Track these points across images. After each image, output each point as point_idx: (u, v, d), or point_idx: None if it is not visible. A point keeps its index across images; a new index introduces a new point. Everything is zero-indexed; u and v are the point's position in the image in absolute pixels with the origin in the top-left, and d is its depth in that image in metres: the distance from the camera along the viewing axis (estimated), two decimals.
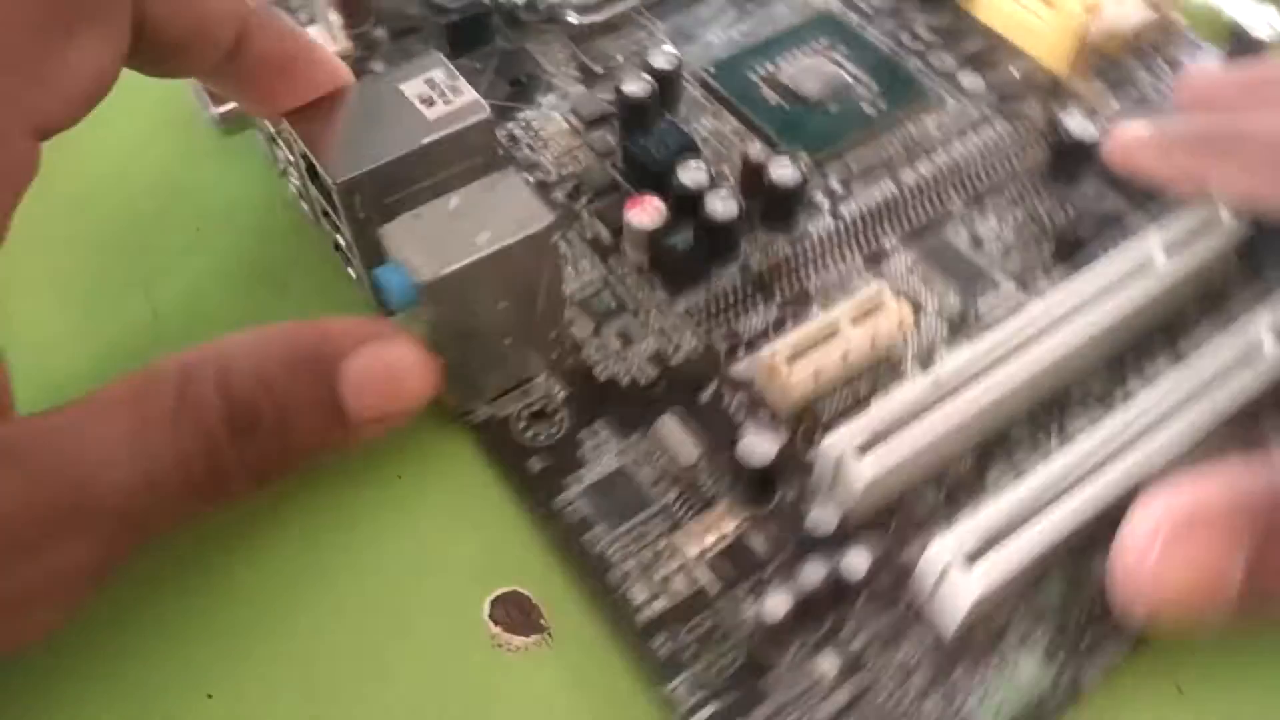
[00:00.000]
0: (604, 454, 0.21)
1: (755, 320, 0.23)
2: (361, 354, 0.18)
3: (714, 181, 0.24)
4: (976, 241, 0.24)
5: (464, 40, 0.28)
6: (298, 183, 0.23)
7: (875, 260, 0.24)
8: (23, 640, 0.17)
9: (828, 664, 0.18)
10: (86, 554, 0.16)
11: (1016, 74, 0.28)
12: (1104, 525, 0.18)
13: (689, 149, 0.24)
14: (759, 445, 0.19)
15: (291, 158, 0.22)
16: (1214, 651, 0.18)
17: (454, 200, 0.19)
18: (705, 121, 0.27)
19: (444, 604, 0.19)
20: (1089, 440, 0.19)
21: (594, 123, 0.26)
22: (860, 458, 0.19)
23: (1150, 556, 0.16)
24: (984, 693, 0.18)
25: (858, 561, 0.18)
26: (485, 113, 0.21)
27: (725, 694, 0.18)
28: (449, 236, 0.19)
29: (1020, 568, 0.17)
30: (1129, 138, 0.23)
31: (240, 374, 0.17)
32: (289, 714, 0.18)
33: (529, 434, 0.21)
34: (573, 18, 0.29)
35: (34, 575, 0.16)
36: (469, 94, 0.21)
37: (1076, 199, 0.25)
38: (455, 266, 0.18)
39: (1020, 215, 0.25)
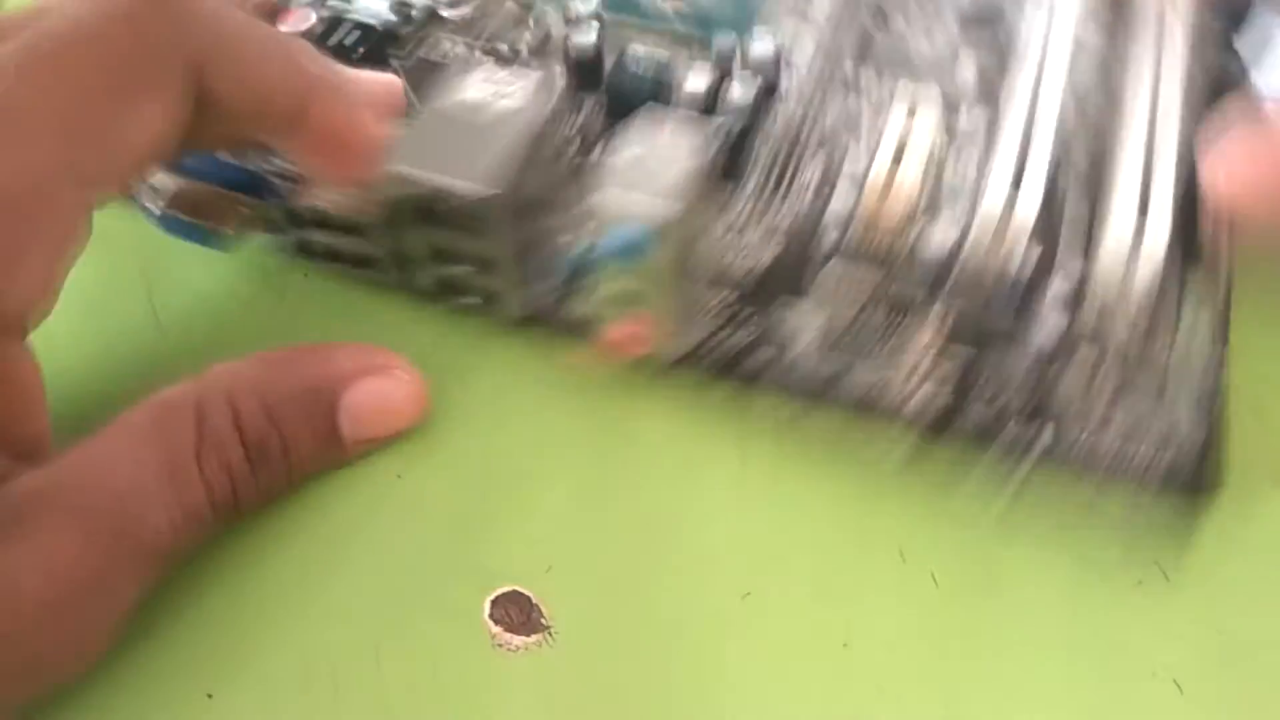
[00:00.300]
0: (802, 325, 0.23)
1: (815, 170, 0.25)
2: (360, 388, 0.20)
3: (720, 76, 0.26)
4: (902, 37, 0.28)
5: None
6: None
7: (848, 88, 0.27)
8: (70, 676, 0.18)
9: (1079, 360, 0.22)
10: (129, 593, 0.17)
11: None
12: None
13: (662, 66, 0.26)
14: (926, 238, 0.22)
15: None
16: None
17: (622, 150, 0.20)
18: (638, 47, 0.28)
19: (443, 604, 0.20)
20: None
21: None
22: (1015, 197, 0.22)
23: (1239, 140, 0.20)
24: None
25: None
26: (555, 84, 0.22)
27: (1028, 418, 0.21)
28: (652, 180, 0.19)
29: None
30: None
31: (250, 410, 0.19)
32: (289, 714, 0.18)
33: (729, 339, 0.22)
34: (448, 12, 0.29)
35: (87, 619, 0.17)
36: (528, 76, 0.22)
37: None
38: (683, 199, 0.19)
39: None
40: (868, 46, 0.28)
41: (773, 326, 0.23)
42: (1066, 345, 0.21)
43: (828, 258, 0.24)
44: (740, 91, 0.25)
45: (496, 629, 0.19)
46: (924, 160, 0.24)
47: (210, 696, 0.18)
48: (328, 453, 0.20)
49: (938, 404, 0.21)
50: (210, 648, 0.19)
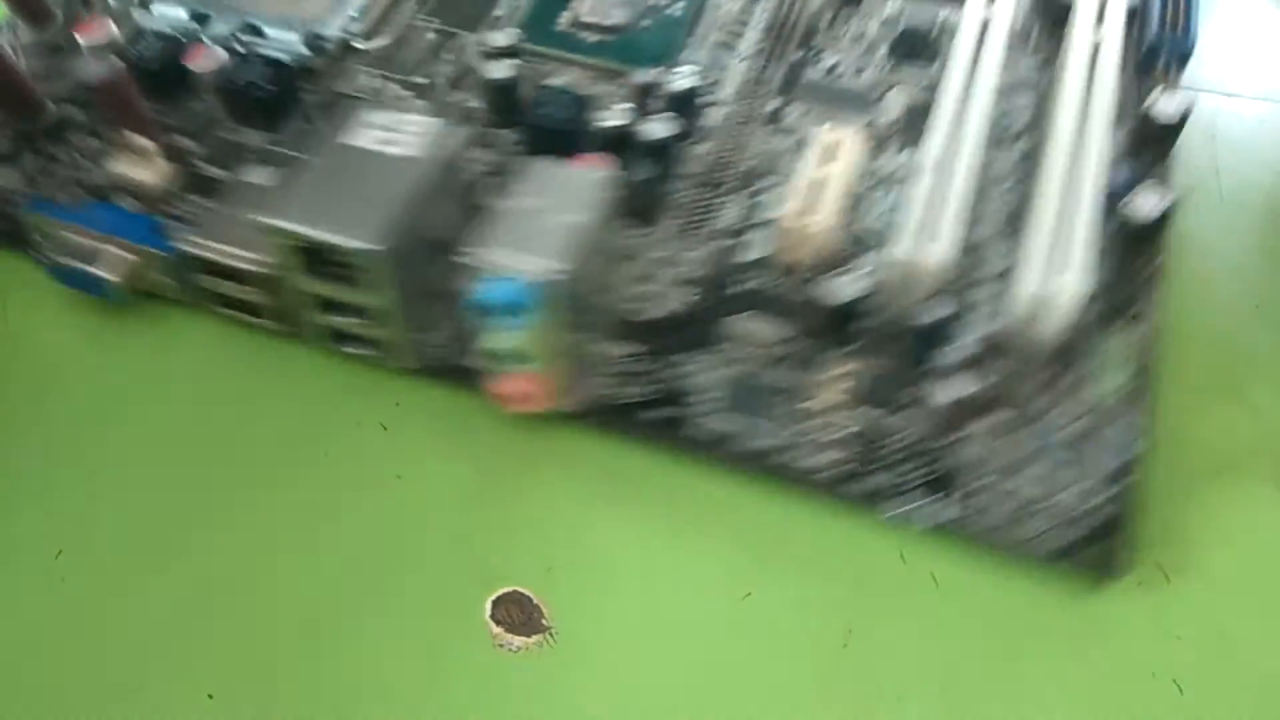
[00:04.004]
0: (702, 375, 0.22)
1: (732, 213, 0.25)
2: None
3: (640, 113, 0.25)
4: (831, 72, 0.28)
5: (277, 114, 0.26)
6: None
7: (775, 120, 0.27)
8: None
9: (987, 424, 0.21)
10: None
11: None
12: None
13: (580, 101, 0.25)
14: (837, 286, 0.22)
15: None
16: None
17: (515, 199, 0.19)
18: (557, 79, 0.28)
19: (445, 604, 0.20)
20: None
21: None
22: (928, 246, 0.21)
23: None
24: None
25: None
26: (461, 127, 0.21)
27: (930, 486, 0.20)
28: (537, 234, 0.19)
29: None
30: None
31: None
32: (289, 714, 0.18)
33: (628, 394, 0.22)
34: (364, 44, 0.28)
35: None
36: (421, 118, 0.21)
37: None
38: (571, 259, 0.18)
39: (852, 38, 0.28)
40: (794, 81, 0.27)
41: (677, 380, 0.22)
42: (974, 409, 0.21)
43: (737, 309, 0.23)
44: (657, 131, 0.24)
45: (497, 629, 0.19)
46: (840, 206, 0.23)
47: (211, 697, 0.18)
48: None
49: (840, 467, 0.21)
50: (210, 648, 0.19)
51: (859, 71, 0.27)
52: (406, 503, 0.21)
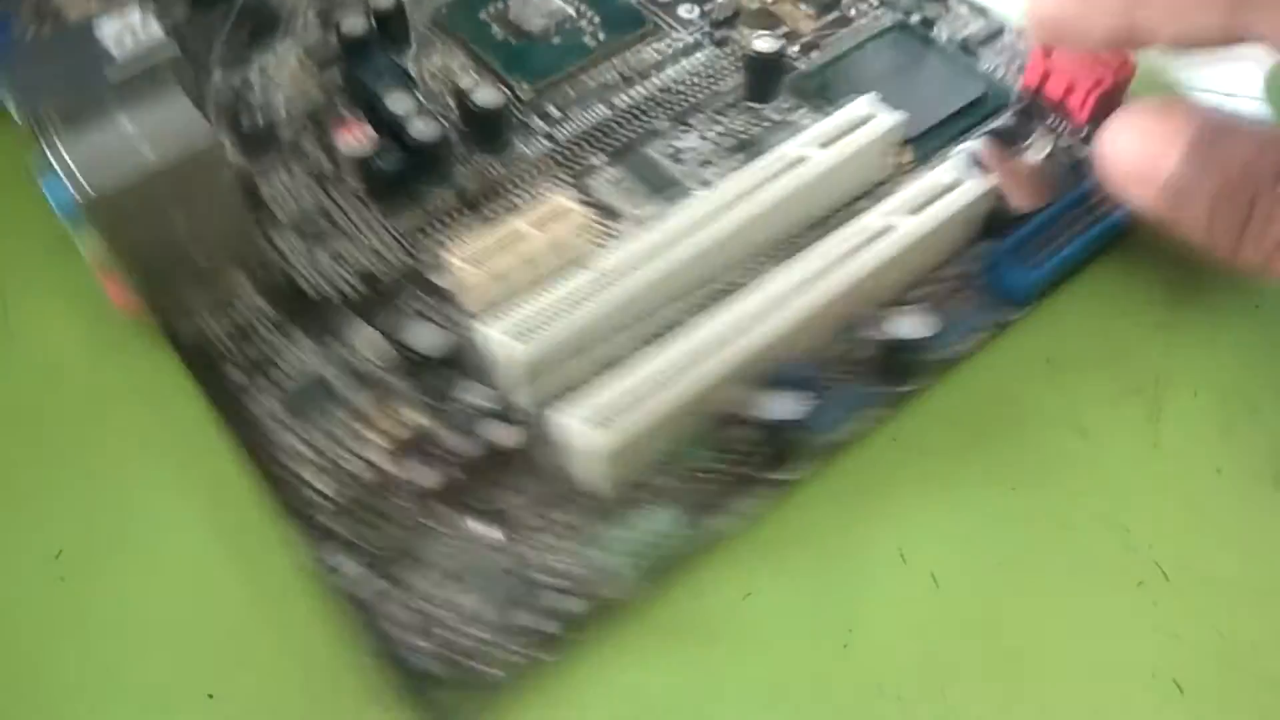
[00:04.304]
0: (304, 362, 0.22)
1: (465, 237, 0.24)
2: None
3: (422, 108, 0.25)
4: (677, 156, 0.26)
5: None
6: None
7: (582, 177, 0.26)
8: None
9: (482, 528, 0.20)
10: None
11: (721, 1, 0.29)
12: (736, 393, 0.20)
13: (401, 79, 0.26)
14: (425, 335, 0.21)
15: None
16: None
17: (123, 118, 0.20)
18: (435, 59, 0.28)
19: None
20: (720, 318, 0.21)
21: (325, 64, 0.28)
22: (519, 342, 0.20)
23: (1125, 119, 0.20)
24: (623, 540, 0.20)
25: (507, 433, 0.20)
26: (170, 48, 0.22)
27: (381, 560, 0.19)
28: (114, 154, 0.20)
29: (647, 429, 0.19)
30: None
31: None
32: (289, 714, 0.18)
33: (231, 348, 0.22)
34: None
35: None
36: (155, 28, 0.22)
37: (770, 112, 0.27)
38: (114, 185, 0.19)
39: (719, 130, 0.26)
40: (630, 148, 0.26)
41: (273, 350, 0.22)
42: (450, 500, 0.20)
43: (380, 318, 0.23)
44: (422, 131, 0.24)
45: None
46: (511, 268, 0.22)
47: (211, 697, 0.19)
48: None
49: (325, 498, 0.20)
50: (210, 647, 0.19)
51: (703, 164, 0.26)
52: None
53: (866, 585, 0.20)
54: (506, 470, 0.20)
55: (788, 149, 0.23)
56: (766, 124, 0.26)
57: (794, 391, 0.21)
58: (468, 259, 0.22)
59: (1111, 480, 0.21)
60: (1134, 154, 0.20)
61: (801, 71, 0.28)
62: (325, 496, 0.20)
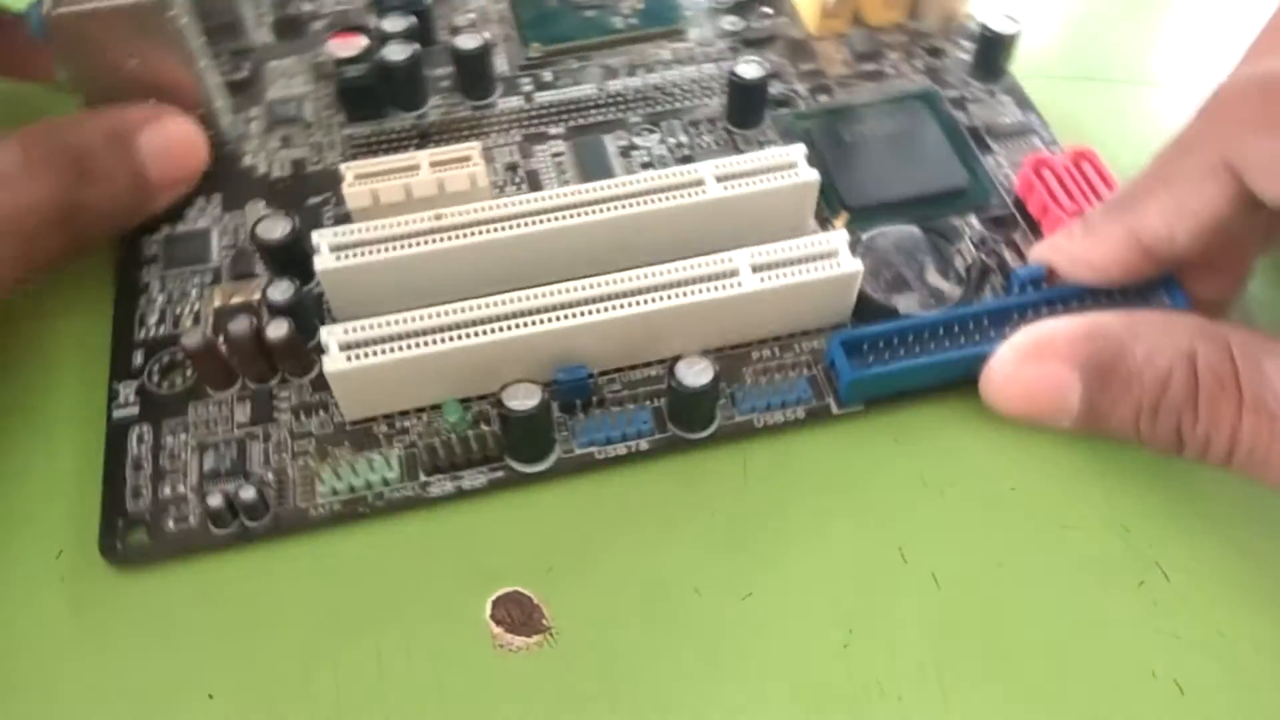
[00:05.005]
0: (200, 218, 0.25)
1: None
2: (152, 128, 0.23)
3: (411, 37, 0.26)
4: (627, 151, 0.26)
5: None
6: None
7: (531, 141, 0.26)
8: None
9: (242, 414, 0.21)
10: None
11: (767, 23, 0.29)
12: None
13: (418, 10, 0.27)
14: (275, 226, 0.22)
15: None
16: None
17: None
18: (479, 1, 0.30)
19: (446, 605, 0.19)
20: (515, 301, 0.21)
21: None
22: (333, 256, 0.21)
23: (1006, 371, 0.20)
24: (350, 472, 0.20)
25: (276, 327, 0.21)
26: None
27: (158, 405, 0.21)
28: None
29: (392, 373, 0.20)
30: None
31: (62, 148, 0.22)
32: (289, 714, 0.18)
33: None
34: None
35: None
36: None
37: (743, 138, 0.26)
38: (71, 9, 0.22)
39: (679, 140, 0.26)
40: (586, 131, 0.26)
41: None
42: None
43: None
44: (393, 52, 0.26)
45: (497, 630, 0.19)
46: (396, 201, 0.23)
47: (211, 697, 0.18)
48: (138, 192, 0.23)
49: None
50: (211, 647, 0.19)
51: (644, 165, 0.25)
52: None
53: (866, 585, 0.20)
54: (286, 364, 0.22)
55: (696, 169, 0.23)
56: (729, 148, 0.26)
57: (568, 397, 0.21)
58: (360, 175, 0.24)
59: (1111, 480, 0.21)
60: (1029, 405, 0.20)
61: (796, 110, 0.27)
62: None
